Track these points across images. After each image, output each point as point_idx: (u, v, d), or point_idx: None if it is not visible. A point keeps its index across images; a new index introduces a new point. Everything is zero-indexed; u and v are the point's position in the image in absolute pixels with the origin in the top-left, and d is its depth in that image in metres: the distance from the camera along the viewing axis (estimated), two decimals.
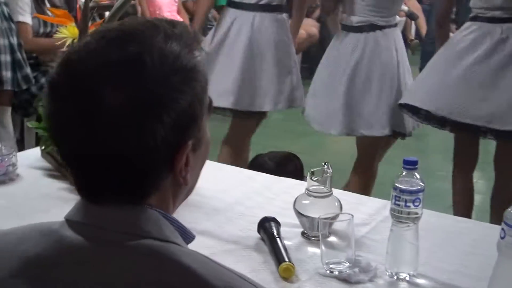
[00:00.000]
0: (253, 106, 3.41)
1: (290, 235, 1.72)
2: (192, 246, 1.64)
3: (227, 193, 2.03)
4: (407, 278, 1.55)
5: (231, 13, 3.44)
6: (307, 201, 1.73)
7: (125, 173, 0.89)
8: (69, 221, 0.94)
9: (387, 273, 1.56)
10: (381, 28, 3.29)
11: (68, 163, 0.92)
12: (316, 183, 1.72)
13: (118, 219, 0.91)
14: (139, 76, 0.86)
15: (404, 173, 1.53)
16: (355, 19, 3.31)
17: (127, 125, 0.86)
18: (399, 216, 1.54)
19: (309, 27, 6.91)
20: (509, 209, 1.37)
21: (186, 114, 0.90)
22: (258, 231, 1.71)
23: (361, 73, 3.28)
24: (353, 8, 3.29)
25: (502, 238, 1.38)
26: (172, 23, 0.95)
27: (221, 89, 3.30)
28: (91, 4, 1.97)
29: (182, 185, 0.96)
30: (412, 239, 1.55)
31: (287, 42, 3.44)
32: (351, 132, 3.31)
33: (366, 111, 3.27)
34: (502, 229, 1.37)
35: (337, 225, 1.61)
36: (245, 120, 3.49)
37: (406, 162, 1.53)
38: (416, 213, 1.53)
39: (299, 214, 1.72)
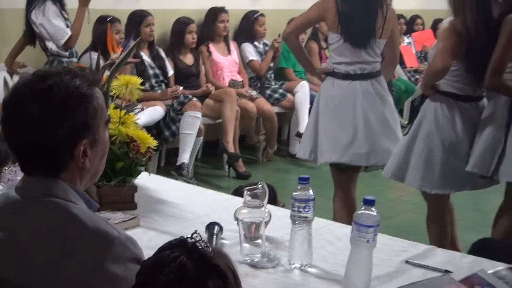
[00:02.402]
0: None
1: (232, 237, 2.26)
2: (148, 239, 2.21)
3: (201, 208, 2.59)
4: (302, 267, 2.06)
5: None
6: (245, 211, 2.26)
7: (41, 156, 1.49)
8: (16, 187, 1.55)
9: (288, 263, 2.08)
10: None
11: (12, 150, 1.53)
12: (249, 198, 2.26)
13: (39, 185, 1.51)
14: (48, 98, 1.47)
15: (299, 187, 2.06)
16: None
17: (40, 127, 1.47)
18: (294, 219, 2.07)
19: None
20: (357, 211, 1.89)
21: (80, 123, 1.50)
22: (205, 232, 2.27)
23: None
24: None
25: (351, 232, 1.89)
26: (83, 69, 1.57)
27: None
28: (108, 61, 2.64)
29: (84, 169, 1.55)
30: (305, 236, 2.06)
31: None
32: None
33: None
34: (352, 225, 1.88)
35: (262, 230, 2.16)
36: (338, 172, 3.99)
37: (300, 179, 2.07)
38: (306, 217, 2.05)
39: (236, 219, 2.27)
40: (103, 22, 5.13)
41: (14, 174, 2.67)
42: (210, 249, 1.30)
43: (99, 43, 4.73)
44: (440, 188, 3.56)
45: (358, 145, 3.81)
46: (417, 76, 7.99)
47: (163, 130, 5.51)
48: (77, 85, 1.50)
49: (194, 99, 5.68)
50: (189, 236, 1.30)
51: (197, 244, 1.28)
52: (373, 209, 1.87)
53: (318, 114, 3.92)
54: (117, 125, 2.55)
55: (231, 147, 5.76)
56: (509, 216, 3.65)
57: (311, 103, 6.54)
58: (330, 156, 3.86)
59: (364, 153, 3.82)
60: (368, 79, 3.82)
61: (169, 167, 5.70)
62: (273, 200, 2.99)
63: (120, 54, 2.55)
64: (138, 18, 5.58)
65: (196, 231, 1.31)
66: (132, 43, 2.60)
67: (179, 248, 1.29)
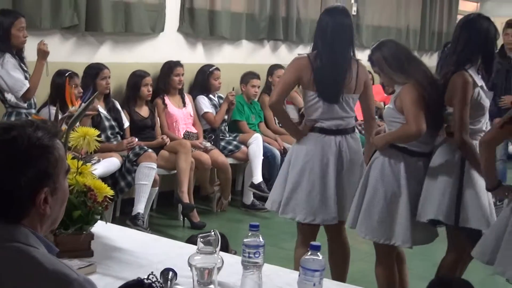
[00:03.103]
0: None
1: (186, 282, 2.34)
2: (104, 285, 2.28)
3: (156, 256, 2.67)
4: None
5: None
6: (198, 257, 2.35)
7: (4, 203, 1.58)
8: None
9: None
10: None
11: None
12: (203, 245, 2.35)
13: (1, 231, 1.59)
14: (12, 149, 1.57)
15: (250, 234, 2.17)
16: None
17: (4, 175, 1.56)
18: (245, 265, 2.17)
19: None
20: (304, 256, 2.00)
21: (42, 172, 1.59)
22: (160, 277, 2.35)
23: None
24: None
25: (299, 276, 2.00)
26: (45, 122, 1.67)
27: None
28: (66, 114, 2.75)
29: (44, 215, 1.64)
30: (255, 280, 2.17)
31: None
32: None
33: None
34: (299, 270, 2.00)
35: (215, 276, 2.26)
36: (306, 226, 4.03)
37: (251, 226, 2.18)
38: (257, 262, 2.16)
39: (189, 265, 2.36)
40: (61, 76, 5.23)
41: None
42: None
43: (58, 96, 4.84)
44: (373, 235, 3.72)
45: (330, 206, 3.90)
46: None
47: (119, 180, 5.58)
48: (39, 136, 1.61)
49: (150, 150, 5.76)
50: (146, 277, 1.40)
51: (153, 284, 1.38)
52: (319, 254, 1.98)
53: (289, 167, 4.01)
54: (74, 175, 2.64)
55: (185, 198, 5.85)
56: (451, 253, 3.86)
57: (264, 154, 6.73)
58: (303, 217, 3.94)
59: (334, 212, 3.92)
60: (342, 135, 3.95)
61: (124, 217, 5.74)
62: (224, 248, 3.09)
63: (79, 107, 2.65)
64: (94, 71, 5.68)
65: (152, 272, 1.41)
66: (89, 96, 2.71)
67: None
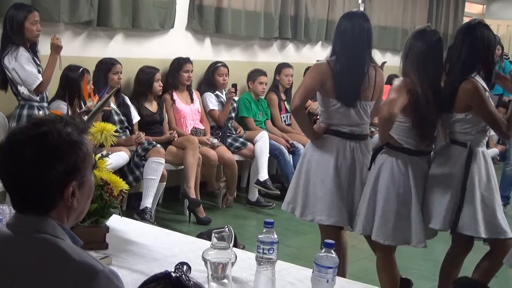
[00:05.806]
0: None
1: (200, 276, 2.40)
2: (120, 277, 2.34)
3: (169, 249, 2.74)
4: None
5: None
6: (212, 252, 2.41)
7: (33, 196, 1.64)
8: (7, 223, 1.69)
9: None
10: None
11: (6, 190, 1.68)
12: (216, 240, 2.41)
13: (29, 222, 1.65)
14: (43, 143, 1.62)
15: (264, 231, 2.23)
16: None
17: (34, 169, 1.61)
18: (259, 260, 2.23)
19: None
20: (318, 253, 2.06)
21: (71, 166, 1.65)
22: (174, 271, 2.41)
23: None
24: None
25: (312, 272, 2.06)
26: (73, 118, 1.73)
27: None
28: (84, 109, 2.80)
29: (72, 208, 1.70)
30: (269, 276, 2.22)
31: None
32: None
33: None
34: (313, 267, 2.06)
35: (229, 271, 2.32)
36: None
37: (266, 223, 2.24)
38: (271, 258, 2.22)
39: (203, 260, 2.42)
40: (72, 71, 5.29)
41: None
42: (192, 282, 1.46)
43: (69, 91, 4.92)
44: (391, 240, 3.78)
45: (342, 208, 3.95)
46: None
47: (127, 174, 5.62)
48: (68, 132, 1.66)
49: (158, 145, 5.83)
50: (173, 270, 1.46)
51: (181, 277, 1.44)
52: (332, 251, 2.04)
53: (303, 169, 4.05)
54: None
55: (192, 193, 5.90)
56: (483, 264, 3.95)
57: (272, 152, 6.79)
58: (327, 218, 3.95)
59: (346, 215, 3.97)
60: (356, 140, 3.99)
61: (131, 211, 5.79)
62: (233, 242, 3.16)
63: (97, 102, 2.71)
64: (106, 66, 5.74)
65: (178, 265, 1.46)
66: (107, 92, 2.77)
67: (164, 281, 1.45)
